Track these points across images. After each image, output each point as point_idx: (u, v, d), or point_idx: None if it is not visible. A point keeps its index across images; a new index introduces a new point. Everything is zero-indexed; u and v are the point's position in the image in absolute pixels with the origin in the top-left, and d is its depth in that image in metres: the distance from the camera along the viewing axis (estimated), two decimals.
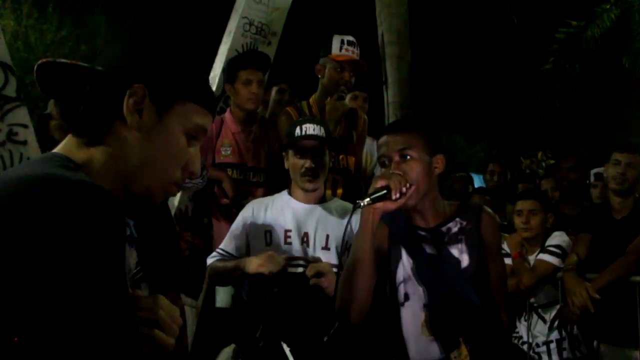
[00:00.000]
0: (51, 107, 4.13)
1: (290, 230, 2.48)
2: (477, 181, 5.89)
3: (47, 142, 4.22)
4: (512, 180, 4.91)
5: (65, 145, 1.01)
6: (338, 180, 3.19)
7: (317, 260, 2.40)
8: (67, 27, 14.58)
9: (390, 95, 6.67)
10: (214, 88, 4.74)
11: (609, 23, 9.47)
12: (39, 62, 1.02)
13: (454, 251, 1.99)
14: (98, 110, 0.98)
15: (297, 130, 2.52)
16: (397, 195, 1.82)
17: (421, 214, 2.02)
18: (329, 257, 2.45)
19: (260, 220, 2.54)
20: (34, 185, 0.81)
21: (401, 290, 2.02)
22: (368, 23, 6.97)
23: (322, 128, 2.54)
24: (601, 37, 9.55)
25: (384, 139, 2.00)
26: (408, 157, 1.93)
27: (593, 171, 4.13)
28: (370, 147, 3.82)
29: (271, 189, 2.99)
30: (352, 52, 3.29)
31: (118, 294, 0.80)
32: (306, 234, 2.47)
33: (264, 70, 3.45)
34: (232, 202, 3.19)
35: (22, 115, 4.45)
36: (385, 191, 1.81)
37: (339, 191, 3.16)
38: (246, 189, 3.30)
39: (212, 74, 4.94)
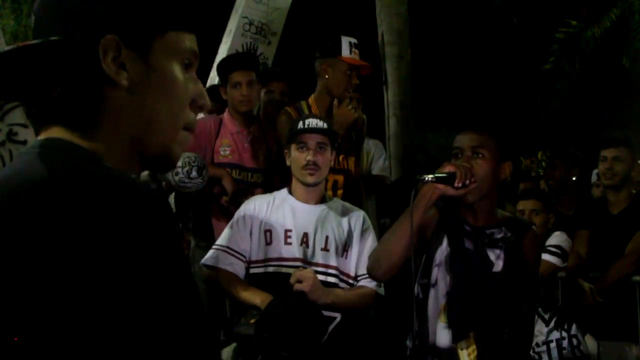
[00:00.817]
0: None
1: (290, 230, 2.47)
2: None
3: None
4: (512, 180, 4.91)
5: (60, 135, 0.83)
6: (338, 181, 3.18)
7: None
8: None
9: (390, 95, 6.67)
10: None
11: (608, 23, 9.47)
12: None
13: (491, 254, 2.10)
14: (78, 86, 0.81)
15: (300, 124, 2.52)
16: (460, 184, 1.91)
17: (473, 212, 2.12)
18: (328, 258, 2.45)
19: (261, 218, 2.53)
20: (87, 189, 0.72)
21: (434, 273, 2.13)
22: (368, 23, 6.97)
23: (325, 123, 2.53)
24: (601, 37, 9.56)
25: (462, 133, 2.12)
26: (480, 155, 2.05)
27: (595, 171, 4.13)
28: (366, 147, 3.81)
29: (269, 190, 2.99)
30: (357, 55, 3.28)
31: (191, 288, 0.75)
32: (306, 235, 2.46)
33: (254, 69, 3.44)
34: (231, 200, 3.19)
35: (22, 115, 4.44)
36: (448, 175, 1.91)
37: (339, 192, 3.15)
38: (244, 189, 3.30)
39: (211, 74, 4.94)
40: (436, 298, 2.11)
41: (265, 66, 4.98)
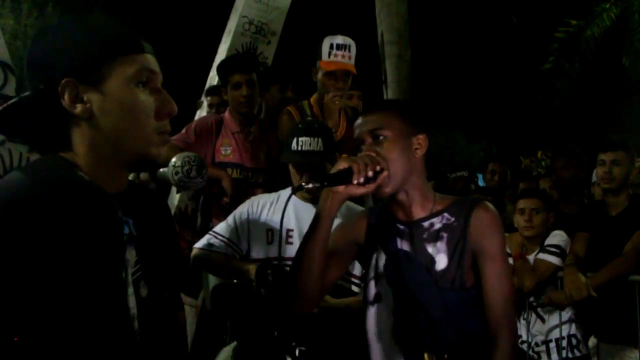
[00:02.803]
0: None
1: (292, 230, 2.47)
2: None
3: None
4: (512, 179, 4.91)
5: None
6: None
7: None
8: None
9: (389, 95, 6.68)
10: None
11: (608, 22, 9.47)
12: None
13: (430, 250, 1.71)
14: (50, 124, 1.06)
15: (294, 143, 2.48)
16: (361, 179, 1.58)
17: (402, 205, 1.76)
18: None
19: (263, 217, 2.53)
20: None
21: (371, 288, 1.79)
22: (368, 23, 6.97)
23: (319, 141, 2.47)
24: (601, 36, 9.56)
25: (357, 121, 1.79)
26: (381, 137, 1.70)
27: (595, 170, 4.14)
28: None
29: (269, 190, 2.99)
30: (342, 56, 3.25)
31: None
32: None
33: (254, 70, 3.44)
34: (231, 201, 3.19)
35: None
36: (342, 173, 1.58)
37: None
38: (245, 189, 3.30)
39: (211, 74, 4.94)
40: (382, 317, 1.75)
41: (265, 66, 4.98)
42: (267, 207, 2.55)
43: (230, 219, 2.59)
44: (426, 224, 1.74)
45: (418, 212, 1.76)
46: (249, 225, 2.53)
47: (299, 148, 2.45)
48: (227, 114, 3.45)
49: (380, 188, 1.67)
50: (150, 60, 1.11)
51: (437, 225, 1.73)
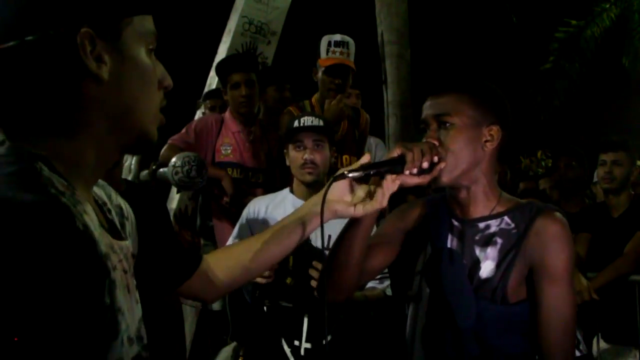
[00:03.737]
0: None
1: None
2: None
3: None
4: (512, 179, 4.91)
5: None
6: None
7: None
8: None
9: (389, 95, 6.67)
10: (213, 87, 4.74)
11: (608, 22, 9.48)
12: None
13: (478, 253, 1.55)
14: (56, 85, 0.77)
15: (296, 122, 2.50)
16: (414, 170, 1.36)
17: (460, 201, 1.59)
18: None
19: (262, 218, 2.53)
20: None
21: (416, 282, 1.67)
22: (368, 22, 6.97)
23: (320, 120, 2.51)
24: (601, 36, 9.57)
25: (426, 102, 1.59)
26: (447, 124, 1.50)
27: (596, 171, 4.14)
28: (367, 144, 3.81)
29: (270, 190, 2.99)
30: (341, 53, 3.26)
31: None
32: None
33: (253, 70, 3.45)
34: (232, 201, 3.19)
35: None
36: (395, 160, 1.35)
37: None
38: (245, 189, 3.30)
39: (211, 73, 4.94)
40: (420, 316, 1.64)
41: (265, 65, 4.98)
42: (264, 207, 2.55)
43: (235, 228, 2.62)
44: (482, 224, 1.57)
45: (477, 211, 1.58)
46: (251, 228, 2.54)
47: (301, 124, 2.47)
48: (227, 114, 3.46)
49: (436, 179, 1.48)
50: (152, 22, 0.91)
51: (493, 229, 1.56)
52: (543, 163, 15.51)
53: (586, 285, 2.93)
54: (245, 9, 5.03)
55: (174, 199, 4.32)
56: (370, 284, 2.47)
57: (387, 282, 2.50)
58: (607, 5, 9.53)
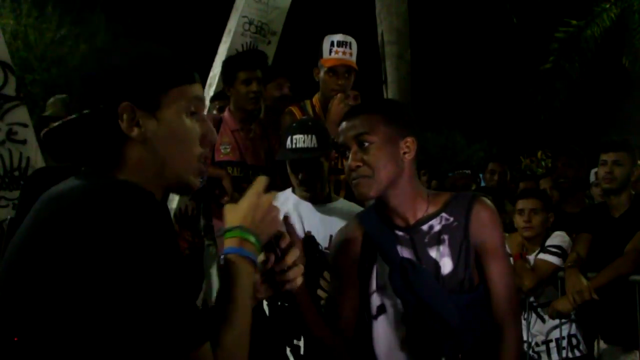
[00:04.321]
0: (51, 109, 4.12)
1: None
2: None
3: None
4: (512, 179, 4.91)
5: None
6: (341, 181, 3.17)
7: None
8: (67, 26, 14.57)
9: (389, 94, 6.68)
10: (213, 87, 4.74)
11: (608, 22, 9.48)
12: (42, 133, 1.14)
13: (433, 254, 1.66)
14: (105, 143, 1.09)
15: (288, 142, 2.47)
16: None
17: (395, 210, 1.69)
18: None
19: None
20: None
21: (374, 300, 1.72)
22: (368, 22, 6.98)
23: (313, 137, 2.45)
24: (601, 36, 9.56)
25: (341, 125, 1.70)
26: (366, 143, 1.63)
27: (593, 170, 4.13)
28: None
29: (270, 188, 2.99)
30: (343, 53, 3.24)
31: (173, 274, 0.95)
32: (308, 234, 2.45)
33: (263, 68, 3.44)
34: (231, 201, 3.18)
35: (21, 114, 4.45)
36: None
37: (342, 192, 3.14)
38: (245, 188, 3.29)
39: (211, 73, 4.94)
40: (390, 328, 1.70)
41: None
42: None
43: None
44: (425, 227, 1.68)
45: (414, 215, 1.69)
46: None
47: (293, 146, 2.45)
48: (226, 113, 3.44)
49: (364, 192, 1.65)
50: (199, 89, 1.18)
51: (437, 227, 1.67)
52: (543, 163, 15.51)
53: (586, 285, 2.93)
54: (245, 9, 5.03)
55: (174, 199, 4.33)
56: None
57: None
58: (607, 5, 9.52)
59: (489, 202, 1.71)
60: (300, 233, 2.44)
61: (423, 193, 1.72)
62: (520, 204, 3.30)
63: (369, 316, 1.74)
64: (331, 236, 2.44)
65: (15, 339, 0.93)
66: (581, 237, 3.21)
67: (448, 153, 20.02)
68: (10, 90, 4.40)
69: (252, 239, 1.21)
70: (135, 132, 1.08)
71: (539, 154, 16.48)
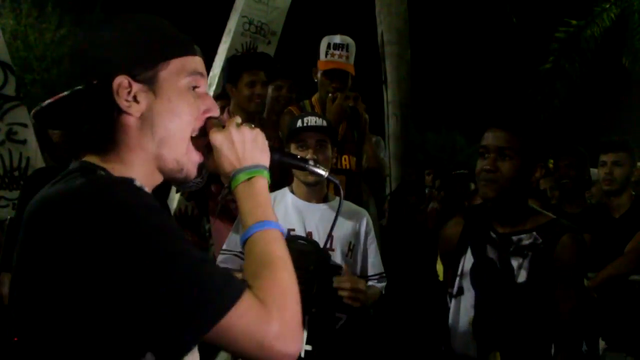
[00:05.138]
0: None
1: (293, 230, 2.44)
2: None
3: (46, 143, 4.23)
4: None
5: (88, 159, 1.06)
6: (340, 181, 3.17)
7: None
8: (67, 26, 14.57)
9: (389, 94, 6.68)
10: (213, 87, 4.74)
11: (608, 22, 9.47)
12: (32, 112, 1.10)
13: (514, 263, 1.95)
14: (101, 120, 1.03)
15: (299, 122, 2.48)
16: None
17: (498, 217, 2.01)
18: (334, 258, 2.43)
19: None
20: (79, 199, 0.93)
21: (457, 283, 2.07)
22: (368, 22, 6.98)
23: (324, 120, 2.51)
24: (601, 36, 9.56)
25: (489, 131, 1.97)
26: (506, 157, 1.91)
27: (593, 170, 4.13)
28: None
29: (270, 189, 2.99)
30: (339, 56, 3.23)
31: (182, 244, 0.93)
32: (309, 234, 2.45)
33: (267, 70, 3.43)
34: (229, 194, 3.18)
35: (21, 114, 4.44)
36: None
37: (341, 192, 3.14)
38: None
39: (211, 73, 4.94)
40: (464, 309, 2.03)
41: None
42: None
43: (232, 229, 2.57)
44: (515, 238, 1.97)
45: (510, 226, 1.99)
46: None
47: (305, 124, 2.45)
48: (225, 114, 3.44)
49: (485, 190, 1.93)
50: (200, 62, 1.11)
51: (525, 242, 1.96)
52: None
53: (586, 285, 2.94)
54: (245, 9, 5.02)
55: (174, 199, 4.32)
56: (369, 283, 2.47)
57: (384, 283, 2.51)
58: (607, 5, 9.52)
59: (579, 237, 1.97)
60: (301, 232, 2.43)
61: (527, 209, 2.02)
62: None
63: (450, 295, 2.10)
64: (332, 237, 2.44)
65: (15, 339, 0.93)
66: None
67: (448, 153, 20.03)
68: (10, 90, 4.40)
69: (265, 173, 1.15)
70: (133, 107, 1.02)
71: None
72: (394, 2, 6.68)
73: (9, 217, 3.73)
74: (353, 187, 3.23)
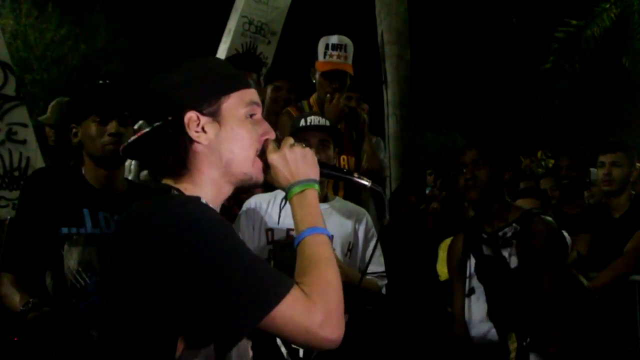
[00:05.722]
0: (49, 113, 4.13)
1: (293, 230, 2.44)
2: None
3: (45, 145, 4.23)
4: (512, 179, 4.90)
5: (166, 182, 1.28)
6: (340, 181, 3.17)
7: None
8: (67, 26, 14.57)
9: (389, 94, 6.67)
10: None
11: (608, 22, 9.47)
12: (122, 148, 1.33)
13: (505, 253, 2.39)
14: (176, 149, 1.24)
15: (302, 121, 2.49)
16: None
17: (485, 218, 2.47)
18: None
19: (262, 216, 2.52)
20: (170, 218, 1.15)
21: (467, 284, 2.49)
22: (368, 22, 6.98)
23: (327, 120, 2.52)
24: (601, 36, 9.56)
25: (466, 151, 2.48)
26: (481, 166, 2.40)
27: (592, 170, 4.13)
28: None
29: (269, 189, 2.98)
30: (338, 57, 3.23)
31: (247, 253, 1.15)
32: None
33: (258, 70, 3.43)
34: (232, 197, 3.17)
35: (21, 114, 4.44)
36: None
37: (340, 192, 3.14)
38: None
39: None
40: (478, 304, 2.45)
41: (267, 67, 4.98)
42: (264, 207, 2.53)
43: (235, 222, 2.57)
44: (501, 233, 2.42)
45: (497, 223, 2.44)
46: (248, 227, 2.52)
47: (308, 124, 2.46)
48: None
49: (469, 193, 2.42)
50: (254, 93, 1.31)
51: (509, 234, 2.41)
52: (543, 163, 15.49)
53: (586, 285, 2.93)
54: (245, 9, 5.02)
55: None
56: (369, 276, 2.47)
57: (385, 281, 2.51)
58: (607, 5, 9.51)
59: (548, 219, 2.46)
60: None
61: (507, 207, 2.48)
62: (520, 203, 3.29)
63: (462, 295, 2.51)
64: (332, 236, 2.44)
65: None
66: (581, 238, 3.21)
67: (448, 153, 20.04)
68: (10, 90, 4.39)
69: (316, 186, 1.34)
70: (202, 137, 1.23)
71: (539, 154, 16.46)
72: (394, 2, 6.67)
73: (8, 217, 3.73)
74: (352, 187, 3.23)
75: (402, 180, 5.89)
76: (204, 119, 1.23)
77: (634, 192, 3.30)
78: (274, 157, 1.30)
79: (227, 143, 1.25)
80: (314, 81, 3.34)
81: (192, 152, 1.24)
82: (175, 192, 1.23)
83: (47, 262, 1.96)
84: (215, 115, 1.24)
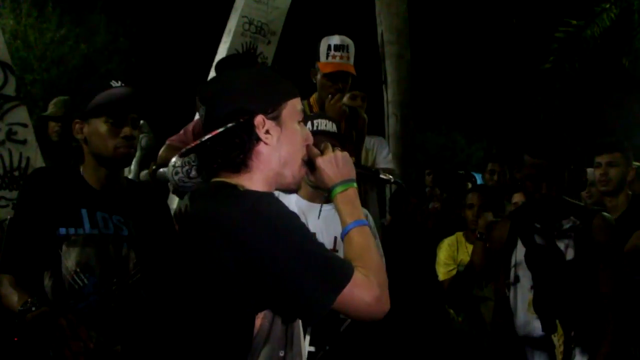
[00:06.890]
0: (51, 108, 4.13)
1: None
2: (477, 180, 5.90)
3: (45, 143, 4.22)
4: (512, 179, 4.91)
5: (224, 178, 1.42)
6: None
7: None
8: (67, 26, 14.56)
9: (389, 94, 6.68)
10: None
11: (608, 22, 9.47)
12: (188, 148, 1.51)
13: (560, 245, 2.46)
14: (246, 148, 1.39)
15: (309, 125, 2.47)
16: None
17: (541, 208, 2.53)
18: None
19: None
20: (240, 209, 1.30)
21: (512, 272, 2.54)
22: (368, 22, 6.98)
23: (334, 124, 2.50)
24: (601, 36, 9.55)
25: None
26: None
27: (589, 170, 4.13)
28: (366, 144, 3.79)
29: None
30: (340, 57, 3.22)
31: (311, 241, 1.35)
32: (313, 235, 2.43)
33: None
34: None
35: (21, 114, 4.44)
36: None
37: None
38: None
39: (211, 74, 4.94)
40: (522, 294, 2.52)
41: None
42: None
43: None
44: (557, 224, 2.49)
45: (552, 214, 2.51)
46: None
47: (315, 128, 2.45)
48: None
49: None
50: (300, 102, 1.49)
51: (566, 226, 2.48)
52: None
53: None
54: (245, 9, 5.02)
55: (174, 199, 4.32)
56: None
57: None
58: (607, 5, 9.51)
59: (608, 217, 2.58)
60: None
61: (562, 201, 2.55)
62: (516, 197, 3.32)
63: (508, 284, 2.56)
64: (335, 238, 2.43)
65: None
66: None
67: (448, 153, 20.03)
68: (10, 90, 4.39)
69: (355, 184, 1.51)
70: (268, 139, 1.40)
71: None
72: (394, 2, 6.68)
73: (8, 217, 3.73)
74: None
75: (402, 180, 5.89)
76: (268, 123, 1.40)
77: (631, 193, 3.29)
78: (321, 160, 1.48)
79: (287, 145, 1.42)
80: (314, 82, 3.33)
81: (256, 152, 1.40)
82: (241, 189, 1.36)
83: (45, 262, 1.95)
84: (277, 120, 1.41)
